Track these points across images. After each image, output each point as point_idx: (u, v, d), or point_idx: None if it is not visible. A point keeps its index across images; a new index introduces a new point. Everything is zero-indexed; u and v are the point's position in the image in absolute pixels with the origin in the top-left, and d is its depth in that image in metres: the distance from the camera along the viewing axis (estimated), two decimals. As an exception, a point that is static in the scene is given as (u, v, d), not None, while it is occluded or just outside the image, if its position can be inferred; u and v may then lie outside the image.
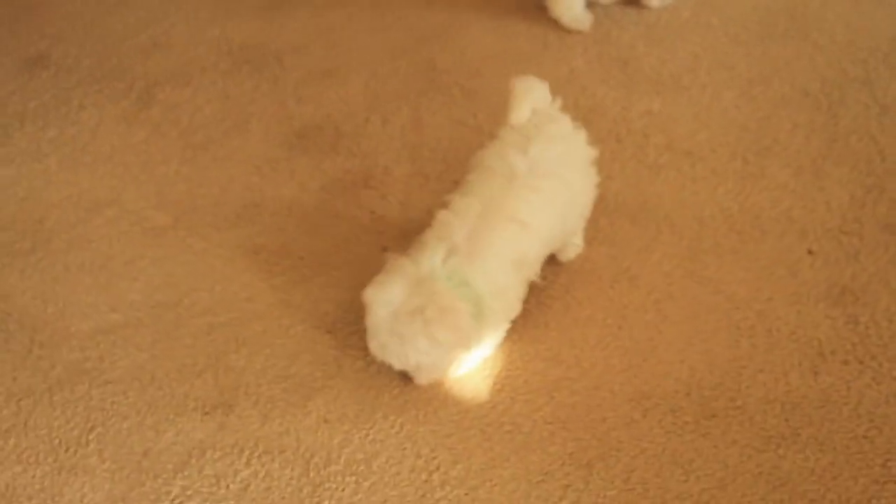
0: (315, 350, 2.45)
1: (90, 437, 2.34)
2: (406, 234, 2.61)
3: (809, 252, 2.53)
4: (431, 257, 2.20)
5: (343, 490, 2.24)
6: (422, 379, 2.34)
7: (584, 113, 2.82)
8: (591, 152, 2.42)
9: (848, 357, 2.37)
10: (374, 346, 2.22)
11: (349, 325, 2.48)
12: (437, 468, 2.26)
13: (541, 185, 2.29)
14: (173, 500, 2.24)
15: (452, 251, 2.21)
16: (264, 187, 2.79)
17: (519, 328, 2.43)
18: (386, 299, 2.16)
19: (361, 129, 2.88)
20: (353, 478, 2.26)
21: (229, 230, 2.70)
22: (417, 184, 2.75)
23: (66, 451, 2.32)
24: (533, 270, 2.35)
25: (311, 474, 2.26)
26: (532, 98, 2.37)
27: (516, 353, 2.42)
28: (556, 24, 3.01)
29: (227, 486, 2.25)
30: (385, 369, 2.38)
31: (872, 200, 2.60)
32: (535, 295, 2.45)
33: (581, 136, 2.40)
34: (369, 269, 2.35)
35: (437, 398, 2.37)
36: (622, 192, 2.67)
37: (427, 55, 3.01)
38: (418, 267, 2.19)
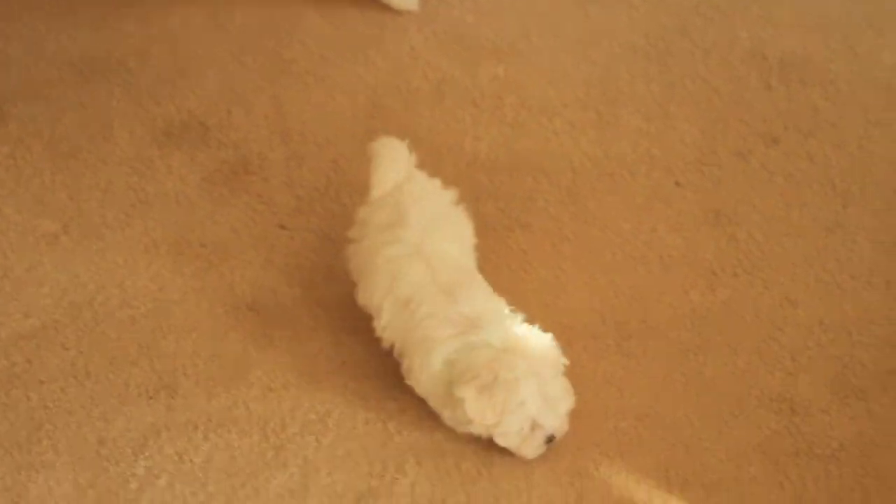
0: (242, 327, 2.55)
1: (40, 434, 2.35)
2: (299, 211, 2.73)
3: (677, 184, 2.85)
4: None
5: (306, 449, 2.32)
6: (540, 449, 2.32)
7: (435, 86, 3.03)
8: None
9: (737, 270, 2.68)
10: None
11: (270, 302, 2.60)
12: (390, 417, 2.40)
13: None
14: (141, 480, 2.28)
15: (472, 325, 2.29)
16: (145, 185, 2.83)
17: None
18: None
19: (226, 121, 2.96)
20: (313, 437, 2.36)
21: (122, 229, 2.74)
22: (295, 164, 2.87)
23: (20, 450, 2.32)
24: None
25: (271, 439, 2.35)
26: (395, 162, 2.45)
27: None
28: (386, 7, 3.21)
29: (191, 461, 2.31)
30: (316, 337, 2.49)
31: (721, 132, 2.94)
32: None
33: (450, 195, 2.50)
34: (273, 248, 2.64)
35: (372, 358, 2.49)
36: (493, 151, 2.90)
37: (271, 48, 3.13)
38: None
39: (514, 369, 2.19)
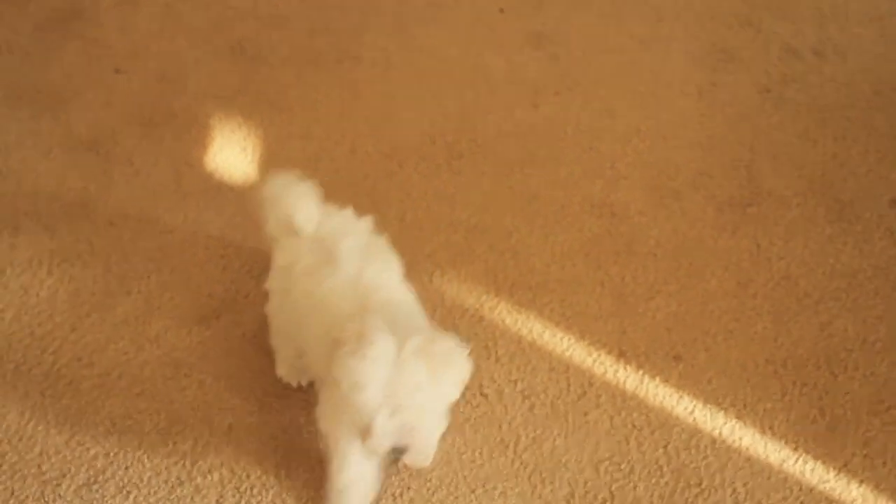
0: (81, 167, 2.68)
1: None
2: (135, 55, 2.86)
3: (501, 10, 3.03)
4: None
5: (148, 277, 2.49)
6: (424, 456, 2.00)
7: None
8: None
9: (558, 87, 2.88)
10: (377, 435, 1.89)
11: (109, 141, 2.76)
12: (229, 244, 2.57)
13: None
14: None
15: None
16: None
17: (263, 114, 2.80)
18: (381, 356, 1.87)
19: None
20: (154, 265, 2.52)
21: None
22: (129, 10, 3.01)
23: None
24: None
25: (114, 269, 2.49)
26: (310, 199, 2.21)
27: (271, 135, 2.75)
28: None
29: (37, 295, 2.44)
30: (157, 171, 2.65)
31: (541, -42, 3.14)
32: (268, 77, 2.85)
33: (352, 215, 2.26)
34: (111, 91, 2.78)
35: (210, 188, 2.66)
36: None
37: None
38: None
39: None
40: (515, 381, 2.36)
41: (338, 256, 2.12)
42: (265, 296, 2.29)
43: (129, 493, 2.12)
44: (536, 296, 2.51)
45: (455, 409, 2.18)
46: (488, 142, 2.76)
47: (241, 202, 2.64)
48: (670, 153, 2.75)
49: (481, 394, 2.32)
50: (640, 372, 2.37)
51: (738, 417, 2.30)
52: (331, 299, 2.06)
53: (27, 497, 2.10)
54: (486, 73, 2.86)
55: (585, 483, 2.16)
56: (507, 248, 2.60)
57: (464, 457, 2.19)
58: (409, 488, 2.15)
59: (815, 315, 2.46)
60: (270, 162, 2.69)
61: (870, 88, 2.83)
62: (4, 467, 2.15)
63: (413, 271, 2.32)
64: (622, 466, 2.19)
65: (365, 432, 1.90)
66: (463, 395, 2.21)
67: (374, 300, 2.06)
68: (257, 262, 2.51)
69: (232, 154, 2.71)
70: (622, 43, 2.93)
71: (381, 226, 2.52)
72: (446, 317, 2.45)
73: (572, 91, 2.84)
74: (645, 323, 2.45)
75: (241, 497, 2.10)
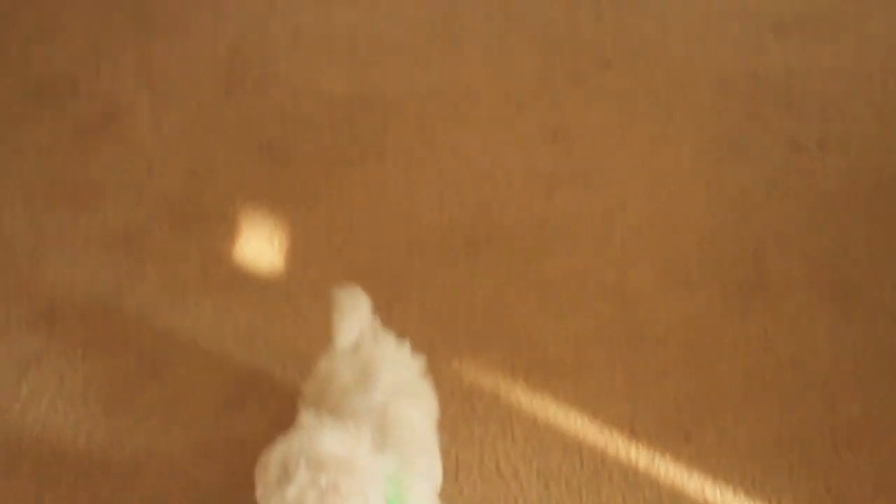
0: (115, 260, 2.88)
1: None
2: (168, 154, 3.04)
3: (518, 108, 3.16)
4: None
5: (178, 366, 2.65)
6: None
7: (292, 33, 3.33)
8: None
9: (573, 181, 2.98)
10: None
11: (142, 236, 2.93)
12: (256, 332, 2.73)
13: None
14: (24, 402, 2.59)
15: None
16: (20, 137, 3.12)
17: (290, 209, 2.94)
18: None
19: (94, 75, 3.23)
20: (183, 356, 2.67)
21: (-1, 180, 3.01)
22: (161, 110, 3.17)
23: None
24: None
25: (145, 357, 2.65)
26: (358, 315, 2.29)
27: (297, 229, 2.90)
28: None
29: (72, 381, 2.63)
30: (186, 265, 2.81)
31: (557, 59, 3.25)
32: (294, 174, 3.01)
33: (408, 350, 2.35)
34: (143, 187, 2.96)
35: (237, 278, 2.82)
36: (347, 89, 3.18)
37: (134, 5, 3.39)
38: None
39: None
40: (531, 461, 2.47)
41: (374, 381, 2.17)
42: (291, 382, 2.43)
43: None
44: (551, 378, 2.63)
45: (473, 487, 2.31)
46: (505, 232, 2.89)
47: (266, 293, 2.78)
48: (680, 242, 2.87)
49: (498, 473, 2.44)
50: (652, 450, 2.47)
51: (747, 494, 2.40)
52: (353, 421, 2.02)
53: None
54: (504, 167, 3.01)
55: (597, 555, 2.26)
56: (522, 333, 2.72)
57: (481, 532, 2.29)
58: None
59: (821, 396, 2.57)
60: (296, 254, 2.83)
61: (872, 178, 2.95)
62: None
63: (432, 357, 2.44)
64: (633, 540, 2.29)
65: None
66: (480, 473, 2.35)
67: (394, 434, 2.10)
68: (282, 350, 2.67)
69: (258, 247, 2.86)
70: (634, 139, 3.07)
71: (402, 314, 2.69)
72: (464, 400, 2.58)
73: (586, 184, 2.98)
74: (655, 403, 2.56)
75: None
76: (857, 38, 3.27)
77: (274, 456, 1.85)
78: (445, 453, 2.39)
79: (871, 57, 3.22)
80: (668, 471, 2.45)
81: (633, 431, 2.51)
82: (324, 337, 2.29)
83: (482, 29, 3.32)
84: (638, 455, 2.48)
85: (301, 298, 2.78)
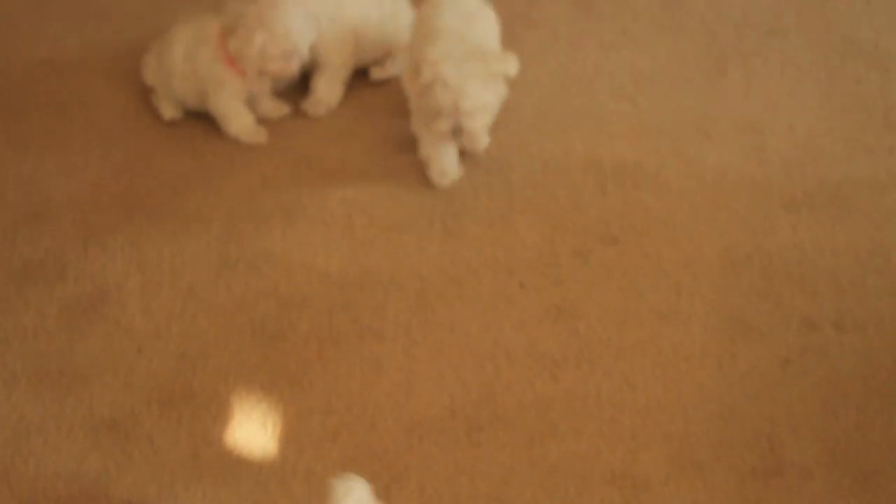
0: (102, 448, 2.81)
1: None
2: (157, 335, 2.99)
3: (521, 285, 3.14)
4: None
5: None
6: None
7: (287, 210, 3.33)
8: None
9: (579, 360, 2.95)
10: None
11: (129, 422, 2.86)
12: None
13: None
14: None
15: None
16: (3, 321, 3.07)
17: (283, 390, 2.88)
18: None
19: (83, 257, 3.20)
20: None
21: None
22: (152, 291, 3.12)
23: None
24: None
25: None
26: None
27: (291, 411, 2.83)
28: (236, 141, 3.55)
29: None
30: (174, 451, 2.74)
31: (560, 235, 3.23)
32: (289, 354, 2.96)
33: None
34: (132, 371, 2.90)
35: (229, 458, 2.73)
36: (344, 266, 3.15)
37: (126, 186, 3.39)
38: None
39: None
40: None
41: None
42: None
43: None
44: (558, 571, 2.49)
45: None
46: (508, 414, 2.81)
47: (259, 480, 2.69)
48: (691, 424, 2.79)
49: None
50: None
51: None
52: None
53: None
54: (507, 347, 2.95)
55: None
56: (527, 521, 2.58)
57: None
58: None
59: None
60: (290, 438, 2.75)
61: (890, 359, 2.89)
62: None
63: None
64: None
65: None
66: None
67: None
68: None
69: (251, 430, 2.78)
70: (642, 316, 3.02)
71: (402, 499, 2.60)
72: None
73: (592, 364, 2.92)
74: None
75: None
76: (869, 213, 3.24)
77: None
78: None
79: (885, 232, 3.19)
80: None
81: None
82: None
83: (484, 205, 3.30)
84: None
85: (296, 486, 2.69)
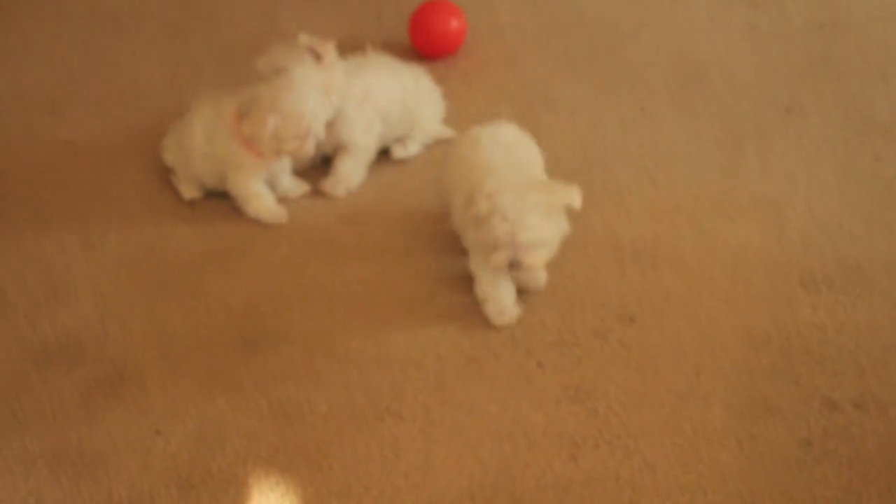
0: None
1: None
2: (175, 416, 3.01)
3: (539, 365, 3.16)
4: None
5: None
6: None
7: (305, 289, 3.37)
8: None
9: (598, 441, 2.97)
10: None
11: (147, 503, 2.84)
12: None
13: None
14: None
15: None
16: (22, 403, 3.12)
17: (302, 472, 2.89)
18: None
19: (102, 338, 3.25)
20: None
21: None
22: (171, 371, 3.16)
23: None
24: None
25: None
26: None
27: (310, 493, 2.84)
28: (256, 221, 3.60)
29: None
30: None
31: (579, 314, 3.25)
32: (308, 435, 2.99)
33: None
34: (150, 453, 2.95)
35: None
36: (362, 344, 3.19)
37: (145, 265, 3.45)
38: None
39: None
40: None
41: None
42: None
43: None
44: None
45: None
46: (526, 496, 2.82)
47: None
48: (711, 507, 2.77)
49: None
50: None
51: None
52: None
53: None
54: (525, 428, 2.96)
55: None
56: None
57: None
58: None
59: None
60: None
61: (913, 441, 2.90)
62: None
63: None
64: None
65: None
66: None
67: None
68: None
69: (274, 510, 2.79)
70: (661, 397, 3.03)
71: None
72: None
73: (611, 444, 2.92)
74: None
75: None
76: (890, 292, 3.25)
77: None
78: None
79: (905, 310, 3.19)
80: None
81: None
82: None
83: (501, 288, 3.32)
84: None
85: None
